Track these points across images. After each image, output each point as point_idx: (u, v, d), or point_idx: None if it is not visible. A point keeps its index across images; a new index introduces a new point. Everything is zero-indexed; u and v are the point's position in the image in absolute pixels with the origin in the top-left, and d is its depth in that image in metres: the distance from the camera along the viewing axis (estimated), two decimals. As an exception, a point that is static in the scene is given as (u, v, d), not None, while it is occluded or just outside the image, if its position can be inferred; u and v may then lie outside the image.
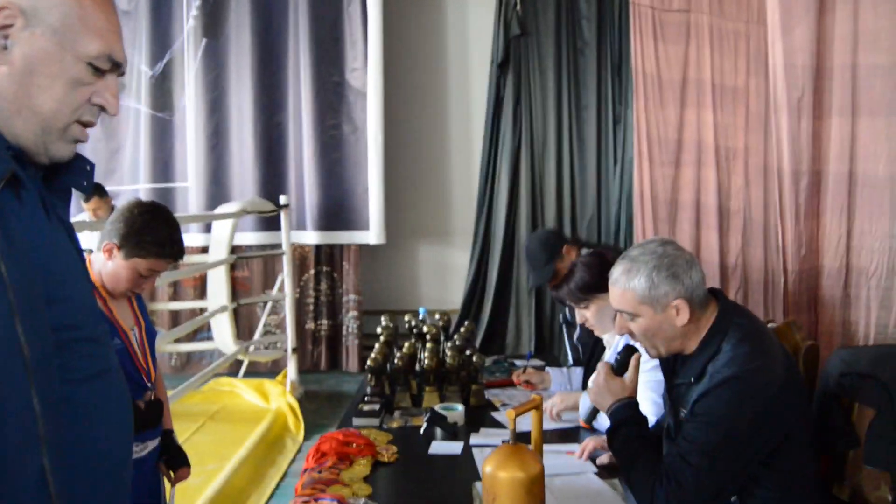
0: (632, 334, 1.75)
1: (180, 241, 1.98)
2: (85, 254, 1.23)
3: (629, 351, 1.81)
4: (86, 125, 1.07)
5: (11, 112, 1.00)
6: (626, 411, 1.74)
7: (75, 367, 1.04)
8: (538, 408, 1.61)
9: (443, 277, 6.45)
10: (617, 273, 1.73)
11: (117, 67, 1.08)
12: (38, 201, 1.04)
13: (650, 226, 4.45)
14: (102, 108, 1.08)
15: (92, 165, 1.17)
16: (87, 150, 4.82)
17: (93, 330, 1.09)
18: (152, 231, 1.91)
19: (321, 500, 1.79)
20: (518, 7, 5.64)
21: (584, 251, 3.11)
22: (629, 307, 1.70)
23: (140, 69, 5.91)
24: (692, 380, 1.68)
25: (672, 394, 1.77)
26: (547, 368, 3.00)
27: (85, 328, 1.07)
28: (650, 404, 2.10)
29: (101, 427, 1.08)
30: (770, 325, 2.43)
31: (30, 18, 0.99)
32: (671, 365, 1.81)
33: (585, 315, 2.47)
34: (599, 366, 1.82)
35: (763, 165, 4.06)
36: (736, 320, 1.70)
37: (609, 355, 2.45)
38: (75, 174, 1.12)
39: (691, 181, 4.34)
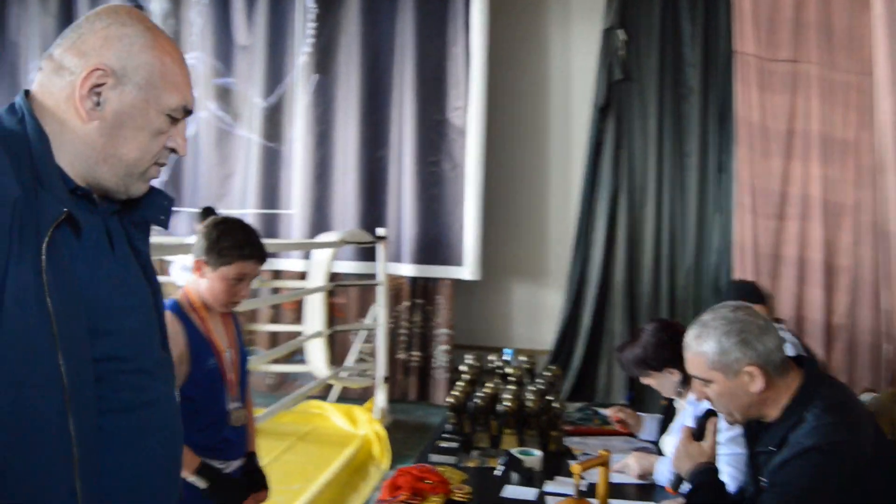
0: (710, 400, 1.73)
1: (258, 243, 2.07)
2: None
3: (708, 416, 1.79)
4: (160, 165, 1.18)
5: (98, 160, 1.11)
6: (704, 476, 1.71)
7: (115, 398, 1.10)
8: (605, 464, 1.61)
9: (535, 317, 6.44)
10: (689, 338, 1.72)
11: (189, 114, 1.19)
12: (104, 236, 1.13)
13: (749, 279, 4.33)
14: (173, 150, 1.19)
15: (170, 200, 1.27)
16: (202, 175, 5.11)
17: (142, 362, 1.15)
18: (228, 238, 2.02)
19: (392, 535, 1.84)
20: (621, 51, 5.64)
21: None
22: (701, 373, 1.68)
23: (254, 101, 6.26)
24: (772, 448, 1.64)
25: (753, 461, 1.74)
26: (640, 414, 2.95)
27: (133, 360, 1.13)
28: (728, 479, 2.06)
29: (137, 458, 1.12)
30: (871, 394, 2.34)
31: (120, 78, 1.10)
32: (754, 432, 1.77)
33: (648, 381, 2.49)
34: (682, 430, 1.80)
35: (873, 223, 3.90)
36: (822, 390, 1.66)
37: (679, 419, 2.42)
38: (154, 208, 1.23)
39: (795, 235, 4.22)
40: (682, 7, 5.57)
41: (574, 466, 1.54)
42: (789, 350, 2.80)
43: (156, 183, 1.23)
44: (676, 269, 5.61)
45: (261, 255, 2.07)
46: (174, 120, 1.17)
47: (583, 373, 5.74)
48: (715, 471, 1.73)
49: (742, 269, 4.31)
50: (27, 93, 1.12)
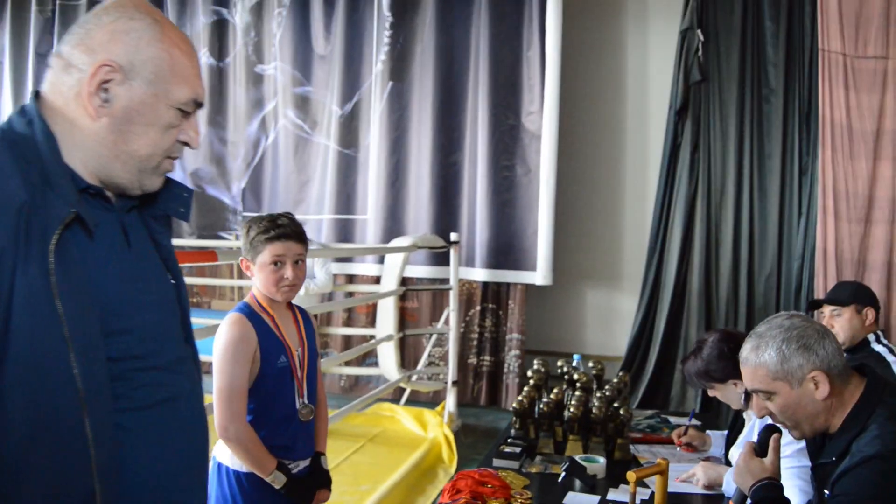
0: (773, 416, 1.67)
1: (284, 224, 2.10)
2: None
3: (770, 431, 1.73)
4: (173, 159, 1.18)
5: (110, 158, 1.10)
6: (765, 492, 1.66)
7: (134, 397, 1.10)
8: (663, 473, 1.58)
9: (608, 323, 6.35)
10: (746, 352, 1.67)
11: (200, 107, 1.18)
12: (119, 233, 1.13)
13: (833, 285, 4.16)
14: (186, 144, 1.18)
15: (189, 192, 1.26)
16: (280, 182, 5.24)
17: (161, 358, 1.14)
18: (255, 228, 2.08)
19: (449, 536, 1.85)
20: (700, 53, 5.51)
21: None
22: (763, 385, 1.63)
23: (331, 109, 6.40)
24: (834, 458, 1.58)
25: (817, 474, 1.67)
26: (708, 432, 2.87)
27: (151, 357, 1.13)
28: (797, 491, 1.98)
29: (160, 455, 1.12)
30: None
31: (128, 73, 1.09)
32: (817, 445, 1.71)
33: (714, 393, 2.42)
34: (744, 445, 1.75)
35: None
36: (886, 398, 1.58)
37: (746, 432, 2.35)
38: (173, 201, 1.22)
39: (883, 240, 4.03)
40: (764, 5, 5.40)
41: (630, 474, 1.51)
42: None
43: (177, 176, 1.22)
44: (755, 276, 5.42)
45: (287, 233, 2.08)
46: (185, 113, 1.15)
47: (655, 380, 5.62)
48: (779, 487, 1.68)
49: (824, 276, 4.14)
50: (37, 94, 1.12)
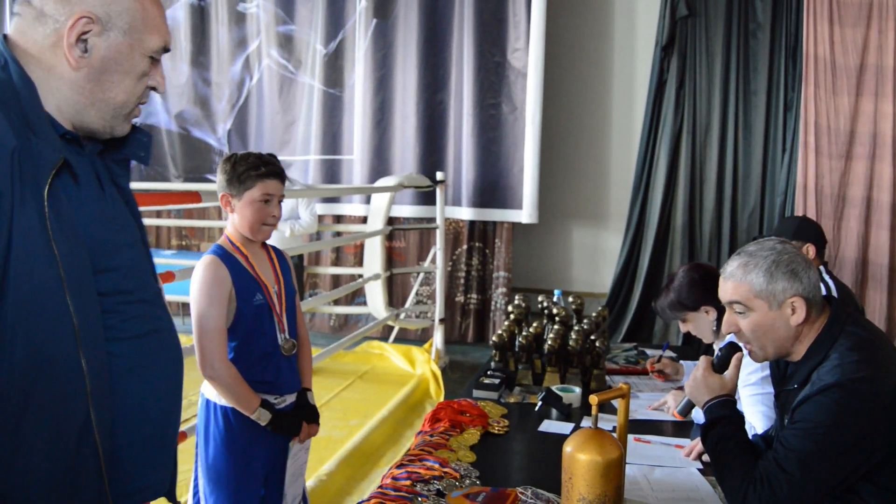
0: (739, 334, 1.72)
1: (274, 161, 2.13)
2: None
3: (732, 348, 1.78)
4: (142, 104, 1.22)
5: (86, 105, 1.15)
6: (722, 409, 1.72)
7: (123, 328, 1.17)
8: (624, 396, 1.64)
9: (594, 260, 6.43)
10: (732, 267, 1.71)
11: (167, 52, 1.22)
12: (93, 177, 1.18)
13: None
14: (154, 88, 1.22)
15: (149, 136, 1.30)
16: (265, 122, 5.21)
17: (143, 293, 1.22)
18: (244, 163, 2.08)
19: (425, 461, 1.93)
20: (687, -13, 5.45)
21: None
22: (743, 300, 1.67)
23: (315, 48, 6.33)
24: (797, 385, 1.64)
25: (779, 400, 1.74)
26: (681, 361, 2.96)
27: (135, 292, 1.20)
28: (761, 417, 2.05)
29: (146, 381, 1.21)
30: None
31: (105, 24, 1.13)
32: (782, 373, 1.77)
33: (687, 327, 2.47)
34: (701, 360, 1.80)
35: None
36: (848, 328, 1.64)
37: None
38: (135, 146, 1.26)
39: (863, 176, 4.06)
40: (751, -62, 5.32)
41: (592, 397, 1.57)
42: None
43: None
44: (739, 212, 5.49)
45: (278, 172, 2.13)
46: (155, 60, 1.20)
47: (639, 316, 5.73)
48: (733, 404, 1.74)
49: (804, 211, 4.19)
50: (5, 37, 1.13)
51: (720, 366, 1.77)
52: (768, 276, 1.65)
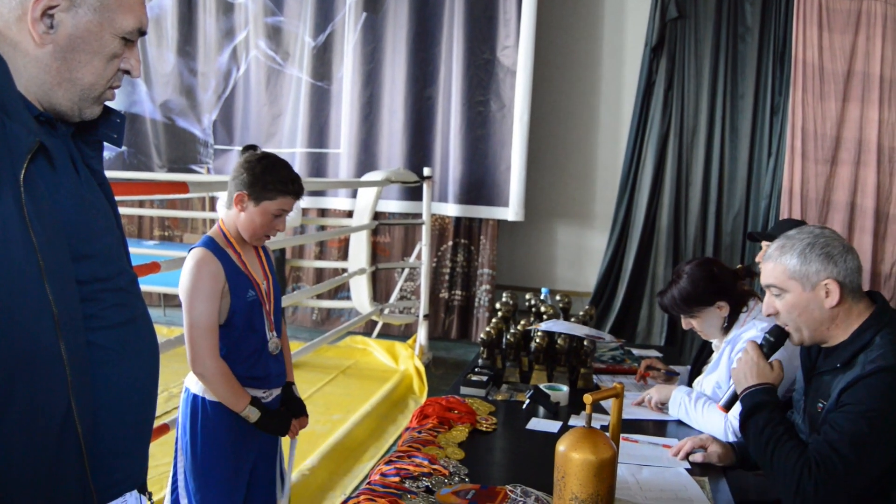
0: (778, 316, 1.76)
1: (299, 179, 2.12)
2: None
3: (781, 333, 1.80)
4: (114, 88, 1.16)
5: (53, 85, 1.09)
6: (767, 395, 1.74)
7: (103, 316, 1.14)
8: (618, 396, 1.64)
9: (579, 259, 6.44)
10: (772, 249, 1.77)
11: (143, 35, 1.16)
12: (68, 160, 1.13)
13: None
14: (127, 72, 1.16)
15: (122, 118, 1.24)
16: (252, 114, 5.17)
17: (120, 280, 1.18)
18: (273, 173, 2.05)
19: (414, 457, 1.92)
20: (677, -11, 5.46)
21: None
22: (778, 282, 1.72)
23: (304, 40, 6.28)
24: (838, 365, 1.66)
25: (811, 385, 1.76)
26: (671, 367, 2.93)
27: (113, 279, 1.16)
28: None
29: (126, 370, 1.17)
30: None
31: (73, 0, 1.06)
32: (813, 359, 1.80)
33: (692, 323, 2.45)
34: (748, 345, 1.82)
35: (930, 169, 3.77)
36: (894, 319, 1.68)
37: (713, 363, 2.42)
38: (107, 127, 1.21)
39: (847, 181, 4.10)
40: (741, -58, 5.35)
41: (586, 396, 1.57)
42: None
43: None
44: (724, 215, 5.52)
45: (301, 190, 2.12)
46: (129, 42, 1.14)
47: (622, 315, 5.75)
48: (776, 392, 1.76)
49: (790, 215, 4.22)
50: None
51: (770, 350, 1.81)
52: (802, 257, 1.70)
